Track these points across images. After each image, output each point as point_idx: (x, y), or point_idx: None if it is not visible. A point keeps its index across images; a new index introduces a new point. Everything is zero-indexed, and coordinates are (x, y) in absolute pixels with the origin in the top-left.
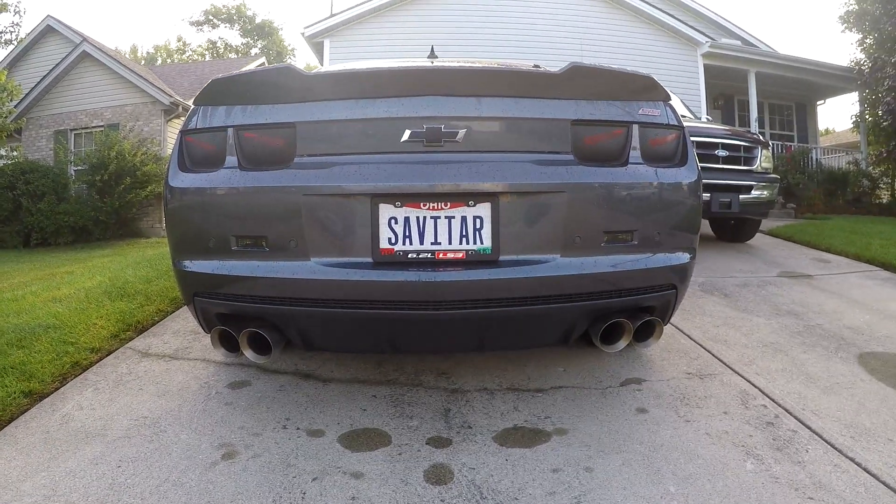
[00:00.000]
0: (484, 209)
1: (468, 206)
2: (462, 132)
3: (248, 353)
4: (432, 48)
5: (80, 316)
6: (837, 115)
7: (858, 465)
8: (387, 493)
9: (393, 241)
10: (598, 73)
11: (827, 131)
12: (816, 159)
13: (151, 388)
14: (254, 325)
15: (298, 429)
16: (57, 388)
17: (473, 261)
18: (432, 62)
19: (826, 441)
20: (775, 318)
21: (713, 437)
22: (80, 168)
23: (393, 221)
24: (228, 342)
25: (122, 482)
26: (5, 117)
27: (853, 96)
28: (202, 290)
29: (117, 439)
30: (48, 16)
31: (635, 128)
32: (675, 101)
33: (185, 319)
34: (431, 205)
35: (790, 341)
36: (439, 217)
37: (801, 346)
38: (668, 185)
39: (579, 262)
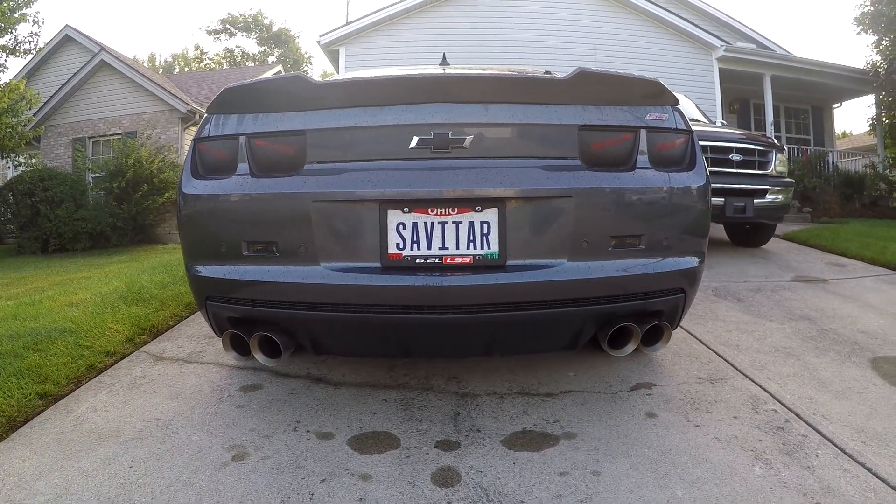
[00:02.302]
0: (491, 214)
1: (475, 211)
2: (469, 138)
3: (259, 357)
4: (444, 55)
5: (95, 320)
6: (854, 117)
7: (868, 469)
8: (394, 494)
9: (401, 246)
10: (605, 78)
11: (844, 134)
12: (833, 163)
13: (165, 390)
14: (264, 329)
15: (308, 431)
16: (72, 391)
17: (481, 266)
18: (444, 69)
19: (836, 446)
20: (788, 323)
21: (722, 442)
22: (97, 175)
23: (401, 227)
24: (239, 346)
25: (133, 482)
26: (24, 125)
27: (870, 98)
28: (214, 294)
29: (130, 440)
30: (66, 25)
31: (643, 132)
32: (690, 106)
33: (199, 324)
34: (439, 210)
35: (803, 346)
36: (447, 222)
37: (813, 350)
38: (677, 190)
39: (587, 266)
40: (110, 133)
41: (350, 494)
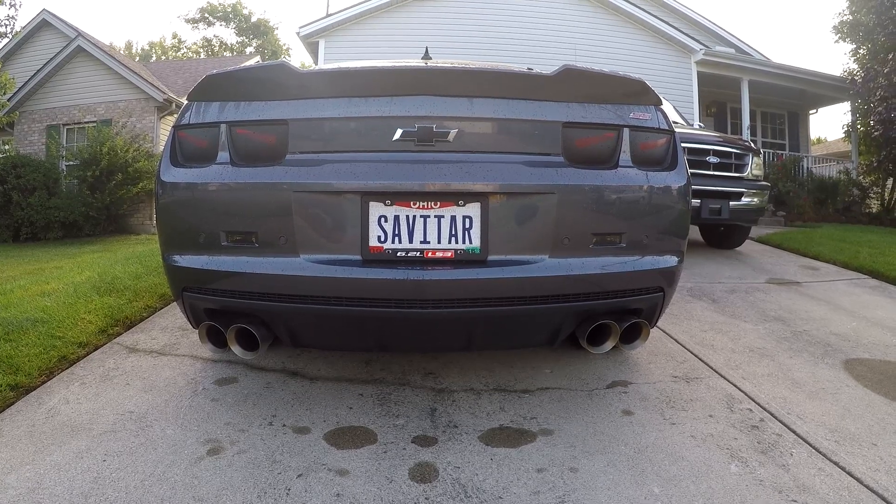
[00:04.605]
0: (473, 209)
1: (458, 205)
2: (453, 132)
3: (236, 349)
4: (426, 49)
5: (68, 310)
6: (829, 124)
7: (842, 468)
8: (371, 490)
9: (382, 239)
10: (590, 76)
11: (818, 140)
12: (807, 168)
13: (138, 383)
14: (242, 321)
15: (284, 425)
16: (43, 382)
17: (462, 260)
18: (426, 63)
19: (811, 445)
20: (762, 324)
21: (698, 440)
22: (71, 163)
23: (382, 220)
24: (216, 338)
25: (106, 476)
26: None
27: (845, 106)
28: (191, 284)
29: (103, 433)
30: (44, 10)
31: (626, 131)
32: (668, 108)
33: (173, 316)
34: (421, 204)
35: (777, 347)
36: (429, 216)
37: (787, 351)
38: (658, 189)
39: (567, 263)
40: (85, 120)
41: (327, 490)
